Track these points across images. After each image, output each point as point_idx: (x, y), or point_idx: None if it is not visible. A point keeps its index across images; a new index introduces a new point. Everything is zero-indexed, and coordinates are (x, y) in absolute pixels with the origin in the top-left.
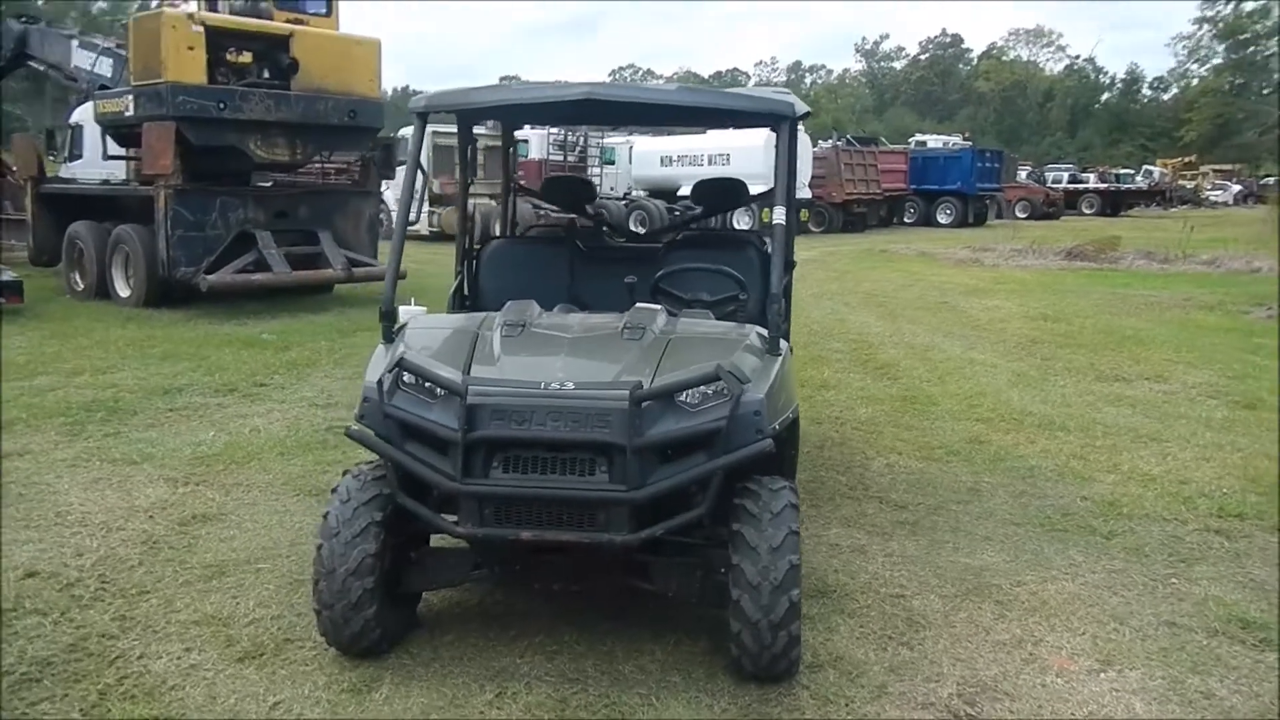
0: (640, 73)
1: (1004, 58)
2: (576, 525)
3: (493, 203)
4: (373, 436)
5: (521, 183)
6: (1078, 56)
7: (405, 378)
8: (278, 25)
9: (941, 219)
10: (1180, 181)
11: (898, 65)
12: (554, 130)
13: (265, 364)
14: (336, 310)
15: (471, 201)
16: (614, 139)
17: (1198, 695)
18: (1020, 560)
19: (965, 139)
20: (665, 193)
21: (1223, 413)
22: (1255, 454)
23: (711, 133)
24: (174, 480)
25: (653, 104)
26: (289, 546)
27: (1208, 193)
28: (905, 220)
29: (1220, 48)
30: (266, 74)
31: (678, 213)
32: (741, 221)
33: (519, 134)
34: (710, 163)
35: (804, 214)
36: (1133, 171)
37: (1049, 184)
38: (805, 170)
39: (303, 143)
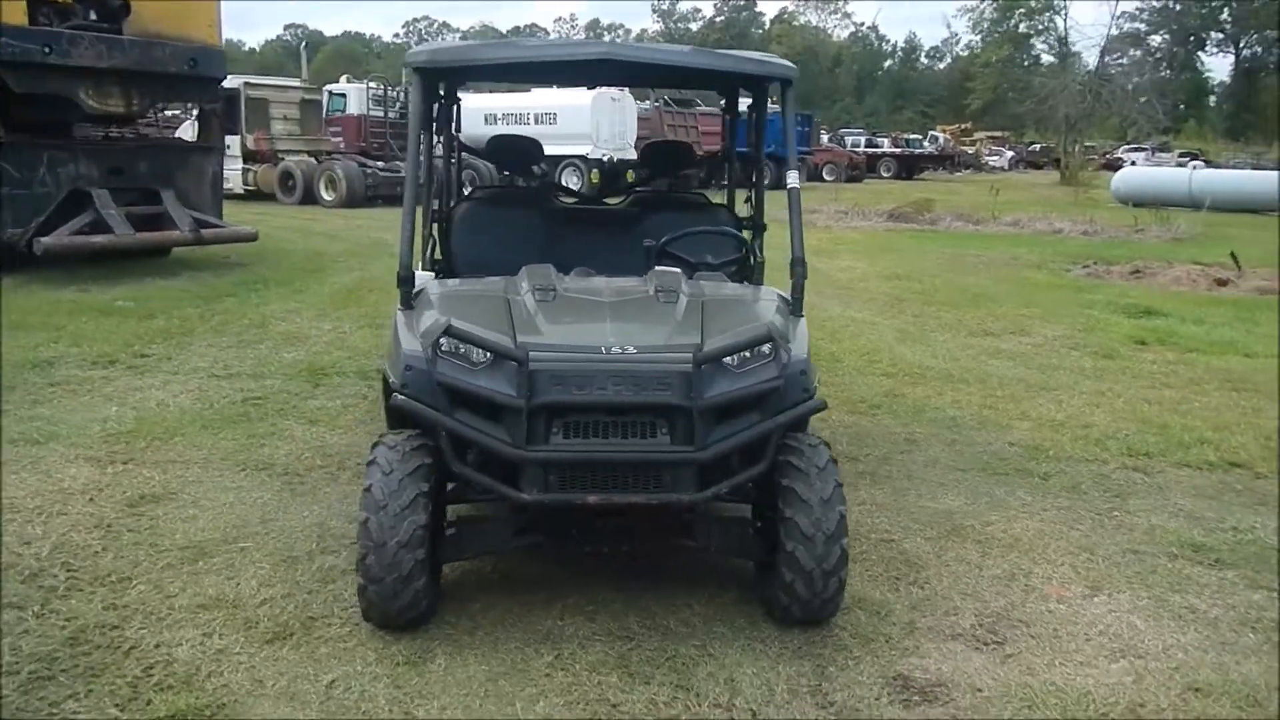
0: (436, 25)
1: (795, 22)
2: (643, 487)
3: (313, 160)
4: (423, 407)
5: (462, 140)
6: (862, 23)
7: (444, 345)
8: None
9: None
10: (961, 147)
11: (694, 26)
12: (373, 84)
13: (135, 333)
14: (187, 275)
15: (290, 159)
16: None
17: (1184, 610)
18: (979, 503)
19: (773, 102)
20: None
21: (1089, 363)
22: (1134, 399)
23: (537, 90)
24: (96, 460)
25: (667, 65)
26: (261, 524)
27: (986, 158)
28: (724, 182)
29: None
30: (93, 16)
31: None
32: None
33: (335, 88)
34: (536, 121)
35: (629, 174)
36: (921, 138)
37: (849, 148)
38: (631, 130)
39: (139, 92)
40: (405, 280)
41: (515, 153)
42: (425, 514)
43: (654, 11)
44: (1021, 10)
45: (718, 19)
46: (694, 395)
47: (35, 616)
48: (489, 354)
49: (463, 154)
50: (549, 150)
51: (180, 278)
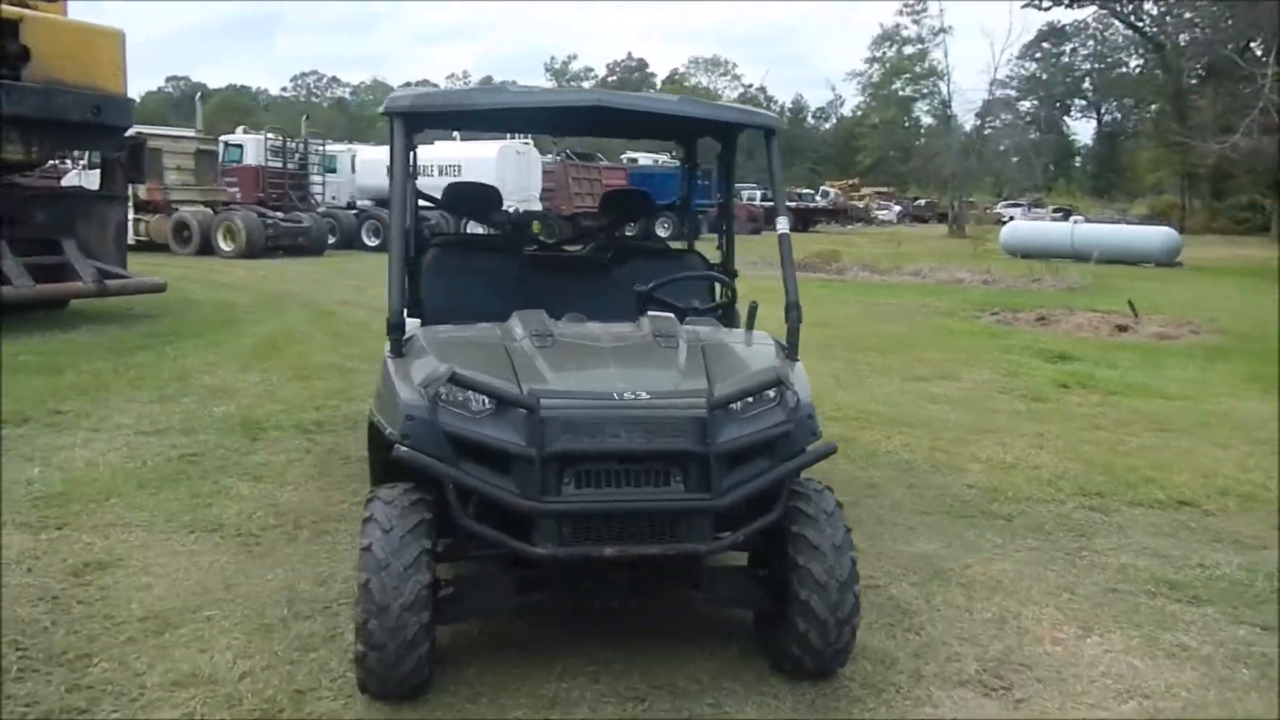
0: (325, 79)
1: (686, 84)
2: (659, 538)
3: (210, 211)
4: (429, 460)
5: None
6: (751, 85)
7: (444, 393)
8: (4, 7)
9: (660, 232)
10: (851, 202)
11: (587, 85)
12: (271, 135)
13: (45, 389)
14: (88, 327)
15: (185, 210)
16: (336, 147)
17: (1176, 648)
18: (953, 546)
19: (673, 157)
20: None
21: (1022, 405)
22: (1073, 440)
23: (439, 143)
24: (28, 525)
25: (657, 113)
26: (224, 590)
27: (876, 212)
28: (627, 233)
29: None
30: None
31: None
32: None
33: (232, 139)
34: (441, 173)
35: (536, 225)
36: (813, 192)
37: (745, 202)
38: (536, 183)
39: (40, 140)
40: (396, 327)
41: (473, 200)
42: (429, 573)
43: (547, 70)
44: (907, 75)
45: (610, 78)
46: (709, 441)
47: None
48: (491, 402)
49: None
50: None
51: (82, 330)
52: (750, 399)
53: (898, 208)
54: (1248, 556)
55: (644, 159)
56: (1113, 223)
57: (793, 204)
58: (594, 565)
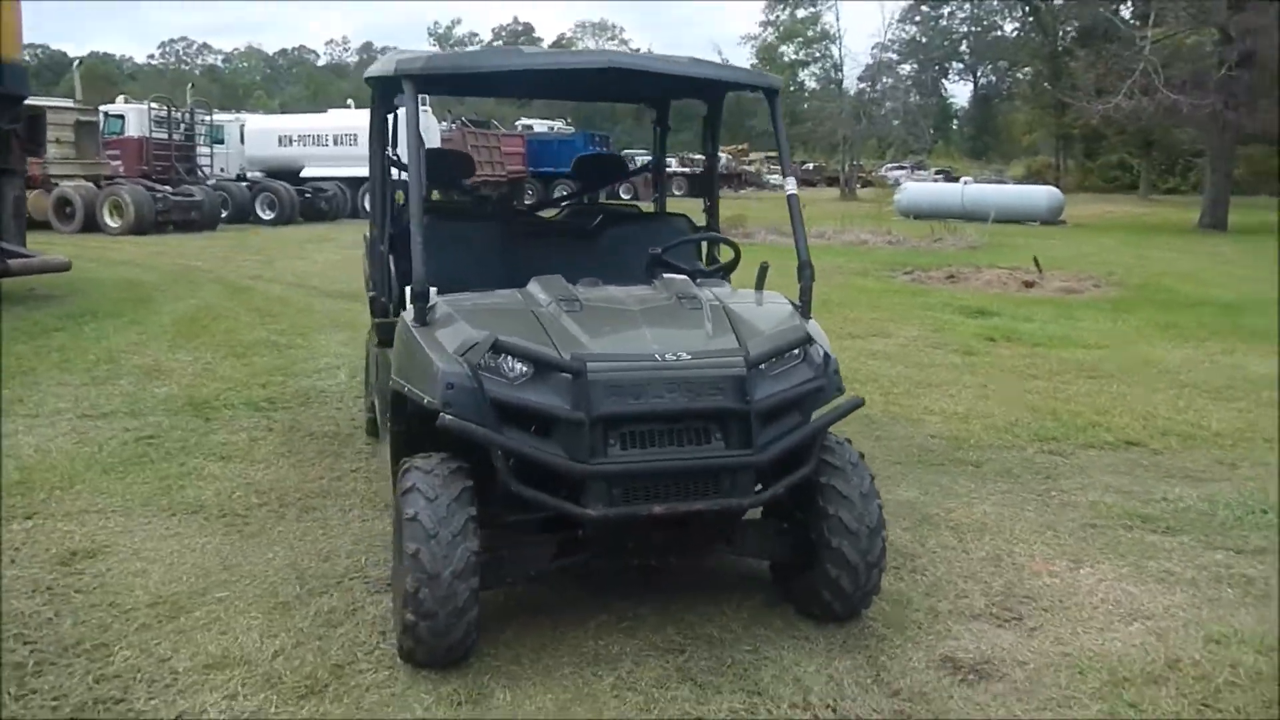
0: (195, 46)
1: (573, 48)
2: (704, 494)
3: (93, 185)
4: (475, 427)
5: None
6: (638, 49)
7: (488, 360)
8: None
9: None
10: (743, 166)
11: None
12: (155, 105)
13: None
14: None
15: (66, 185)
16: (223, 116)
17: (1163, 574)
18: (931, 493)
19: (568, 124)
20: (284, 174)
21: (957, 359)
22: (1014, 390)
23: (333, 111)
24: None
25: (668, 74)
26: (225, 571)
27: (767, 176)
28: (525, 202)
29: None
30: None
31: (308, 194)
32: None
33: (113, 109)
34: (336, 142)
35: (434, 195)
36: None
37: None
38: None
39: None
40: (420, 295)
41: (444, 168)
42: (476, 539)
43: (430, 35)
44: (800, 39)
45: (495, 42)
46: (749, 398)
47: (15, 699)
48: (528, 367)
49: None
50: (349, 173)
51: None
52: (781, 356)
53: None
54: (1203, 489)
55: (538, 125)
56: (998, 183)
57: (685, 170)
58: (639, 524)
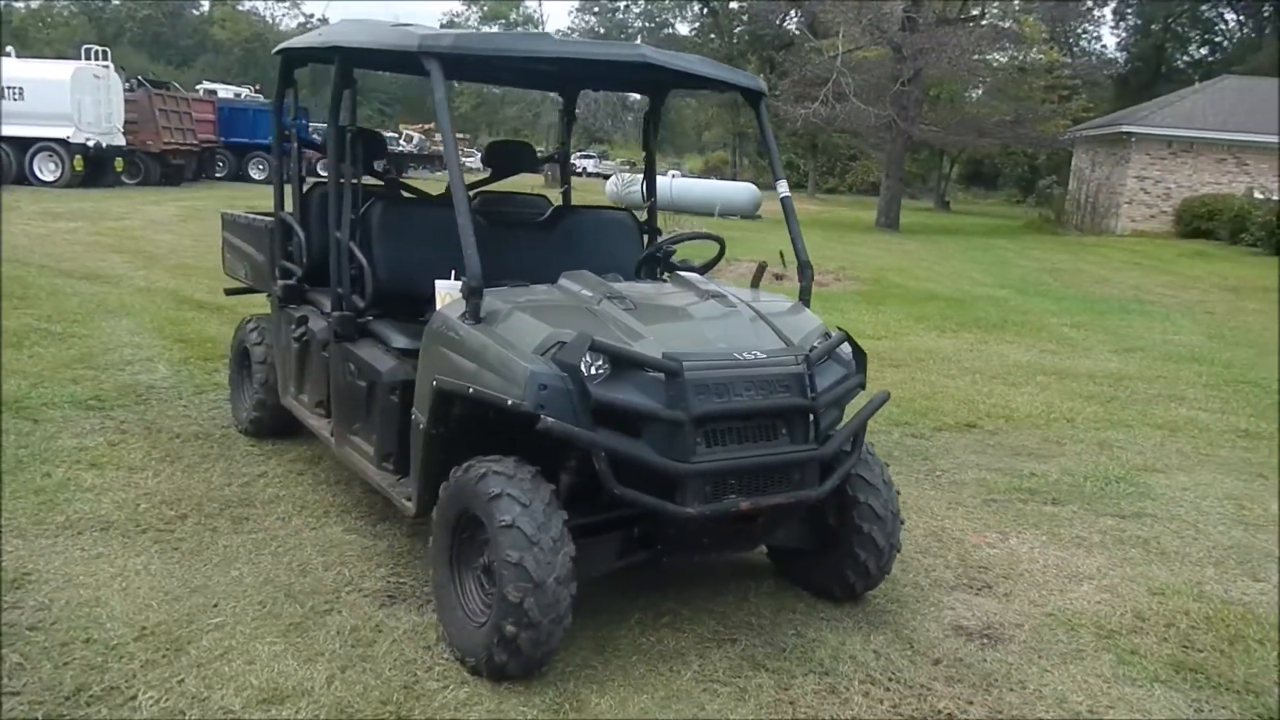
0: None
1: (239, 7)
2: (780, 488)
3: None
4: (580, 430)
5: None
6: (313, 15)
7: (589, 361)
8: None
9: (255, 174)
10: (435, 146)
11: (117, 1)
12: None
13: None
14: None
15: None
16: None
17: (1076, 539)
18: None
19: (256, 91)
20: None
21: None
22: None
23: (5, 61)
24: None
25: (689, 73)
26: (196, 593)
27: (463, 159)
28: (217, 175)
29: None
30: None
31: None
32: None
33: None
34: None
35: (119, 163)
36: (397, 136)
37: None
38: (118, 113)
39: None
40: (476, 291)
41: (355, 146)
42: (572, 544)
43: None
44: (503, 21)
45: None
46: (814, 395)
47: None
48: (607, 367)
49: None
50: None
51: None
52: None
53: (478, 154)
54: (1051, 464)
55: (222, 90)
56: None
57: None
58: (720, 521)
